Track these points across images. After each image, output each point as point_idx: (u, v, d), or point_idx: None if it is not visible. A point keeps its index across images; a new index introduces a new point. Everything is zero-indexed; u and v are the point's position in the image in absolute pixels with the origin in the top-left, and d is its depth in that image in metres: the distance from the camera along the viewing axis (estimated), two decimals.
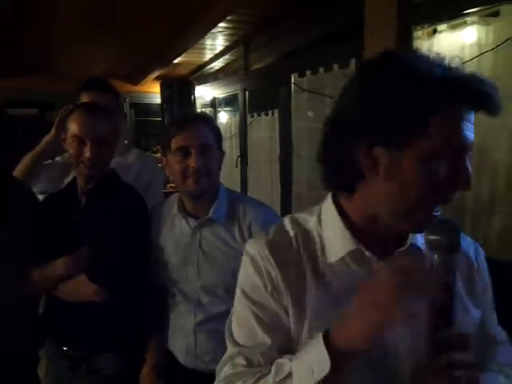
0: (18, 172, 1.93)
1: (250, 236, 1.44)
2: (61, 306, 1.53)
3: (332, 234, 0.86)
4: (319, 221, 0.89)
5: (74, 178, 1.65)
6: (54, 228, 1.56)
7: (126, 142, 2.27)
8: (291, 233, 0.89)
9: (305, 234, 0.89)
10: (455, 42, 2.21)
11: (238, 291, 0.92)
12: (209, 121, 1.54)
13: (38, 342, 1.66)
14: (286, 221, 0.93)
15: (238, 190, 4.24)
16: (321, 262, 0.85)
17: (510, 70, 1.98)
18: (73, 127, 1.54)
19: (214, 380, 1.46)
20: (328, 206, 0.89)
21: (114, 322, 1.53)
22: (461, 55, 2.17)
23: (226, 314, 1.44)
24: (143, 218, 1.59)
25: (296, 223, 0.91)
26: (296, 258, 0.86)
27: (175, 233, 1.54)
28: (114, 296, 1.47)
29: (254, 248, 0.89)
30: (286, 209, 3.64)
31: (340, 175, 0.83)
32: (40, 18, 3.32)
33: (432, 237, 0.70)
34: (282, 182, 3.72)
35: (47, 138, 2.00)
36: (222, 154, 1.53)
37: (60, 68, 4.86)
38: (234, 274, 1.41)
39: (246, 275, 0.90)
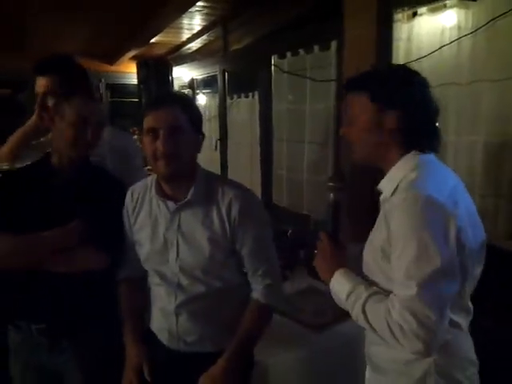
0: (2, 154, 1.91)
1: (229, 216, 1.44)
2: (35, 282, 1.54)
3: None
4: None
5: (46, 156, 1.64)
6: (31, 202, 1.56)
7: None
8: None
9: None
10: (435, 25, 2.21)
11: None
12: (183, 101, 1.48)
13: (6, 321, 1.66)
14: None
15: (218, 173, 4.22)
16: None
17: (488, 53, 2.00)
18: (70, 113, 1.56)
19: (197, 360, 1.49)
20: None
21: (96, 295, 1.56)
22: (440, 38, 2.19)
23: (206, 295, 1.48)
24: (122, 195, 1.63)
25: None
26: None
27: (154, 216, 1.52)
28: (112, 265, 1.56)
29: None
30: (267, 192, 3.64)
31: None
32: None
33: (330, 184, 1.33)
34: (263, 165, 3.71)
35: (32, 120, 1.94)
36: (200, 136, 1.50)
37: (33, 46, 4.70)
38: (211, 256, 1.45)
39: None
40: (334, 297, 1.23)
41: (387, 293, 1.11)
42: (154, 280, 1.56)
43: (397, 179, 1.17)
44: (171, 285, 1.50)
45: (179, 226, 1.48)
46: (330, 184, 1.31)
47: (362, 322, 1.13)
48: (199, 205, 1.47)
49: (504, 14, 1.90)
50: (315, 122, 3.07)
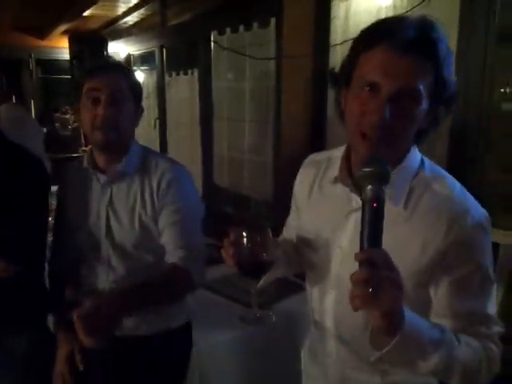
0: None
1: (158, 187, 1.40)
2: None
3: None
4: None
5: None
6: None
7: None
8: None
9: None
10: (372, 4, 2.23)
11: None
12: (125, 70, 1.46)
13: None
14: None
15: None
16: None
17: None
18: None
19: (139, 345, 1.44)
20: None
21: (18, 296, 1.44)
22: (377, 17, 2.20)
23: (137, 272, 1.42)
24: (41, 181, 1.47)
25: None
26: None
27: (85, 191, 1.47)
28: (22, 270, 1.37)
29: None
30: (207, 171, 3.59)
31: None
32: None
33: (367, 169, 0.81)
34: (203, 144, 3.64)
35: None
36: (139, 109, 1.47)
37: None
38: (141, 229, 1.40)
39: None
40: (402, 347, 0.81)
41: None
42: (86, 261, 1.49)
43: (406, 182, 0.96)
44: (102, 263, 1.45)
45: (110, 199, 1.44)
46: (366, 170, 0.81)
47: (455, 369, 0.87)
48: (131, 177, 1.43)
49: None
50: (255, 101, 3.03)
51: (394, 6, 2.12)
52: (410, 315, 0.81)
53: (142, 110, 1.49)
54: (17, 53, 5.56)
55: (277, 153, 2.82)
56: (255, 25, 2.93)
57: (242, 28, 3.04)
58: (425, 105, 0.89)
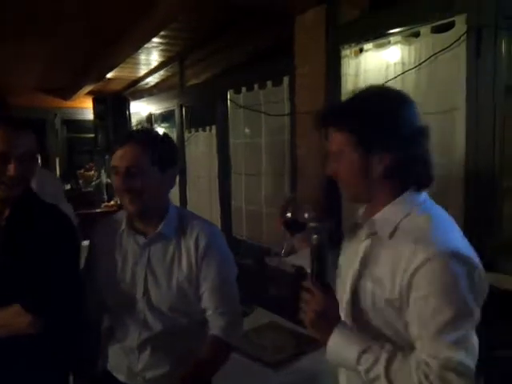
0: None
1: (196, 251, 1.43)
2: None
3: None
4: None
5: None
6: None
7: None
8: None
9: None
10: (380, 61, 2.30)
11: None
12: (147, 140, 1.44)
13: None
14: None
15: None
16: None
17: (431, 86, 2.09)
18: None
19: None
20: None
21: (42, 350, 1.43)
22: (386, 73, 2.28)
23: (170, 332, 1.45)
24: (72, 240, 1.49)
25: None
26: None
27: (122, 251, 1.49)
28: (50, 327, 1.37)
29: None
30: (226, 224, 3.63)
31: None
32: None
33: (312, 224, 1.15)
34: (221, 198, 3.72)
35: None
36: (168, 173, 1.45)
37: None
38: (179, 291, 1.44)
39: None
40: (332, 357, 1.06)
41: (393, 343, 1.02)
42: (117, 317, 1.51)
43: (395, 220, 1.07)
44: (137, 321, 1.46)
45: (148, 260, 1.46)
46: (313, 225, 1.15)
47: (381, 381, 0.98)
48: (169, 239, 1.46)
49: (442, 50, 2.00)
50: (271, 155, 3.11)
51: (403, 63, 2.19)
52: (342, 330, 1.04)
53: (174, 171, 1.50)
54: (42, 113, 5.80)
55: None
56: (269, 83, 3.06)
57: (256, 87, 3.17)
58: (354, 157, 1.07)
